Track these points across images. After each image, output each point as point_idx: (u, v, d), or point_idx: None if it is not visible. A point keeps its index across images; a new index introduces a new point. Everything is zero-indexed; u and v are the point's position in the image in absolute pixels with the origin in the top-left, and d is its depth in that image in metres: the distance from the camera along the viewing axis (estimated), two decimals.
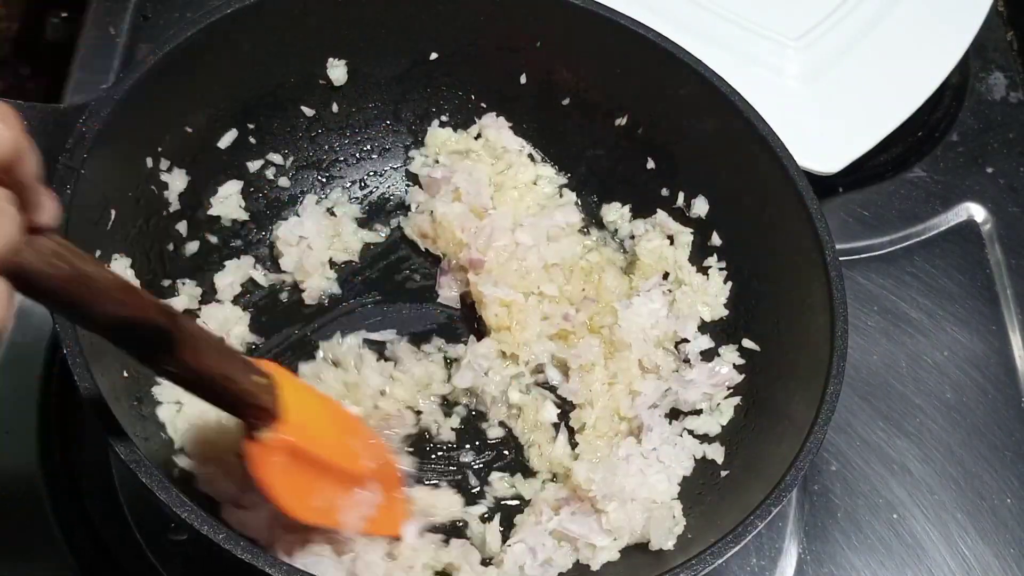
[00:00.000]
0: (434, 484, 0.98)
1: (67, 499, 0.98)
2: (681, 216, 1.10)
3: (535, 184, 1.15)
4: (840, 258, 0.95)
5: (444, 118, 1.16)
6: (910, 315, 1.21)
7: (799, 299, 0.97)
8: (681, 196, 1.10)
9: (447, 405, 1.03)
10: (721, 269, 1.07)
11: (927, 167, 1.33)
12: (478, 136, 1.15)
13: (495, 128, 1.14)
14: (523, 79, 1.13)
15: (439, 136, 1.15)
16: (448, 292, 1.09)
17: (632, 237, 1.13)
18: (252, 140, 1.08)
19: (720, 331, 1.06)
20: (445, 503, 0.95)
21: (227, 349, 0.77)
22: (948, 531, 1.08)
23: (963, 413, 1.16)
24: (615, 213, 1.14)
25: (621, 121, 1.12)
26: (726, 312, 1.06)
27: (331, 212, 1.13)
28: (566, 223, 1.10)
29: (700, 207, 1.08)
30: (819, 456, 1.10)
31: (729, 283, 1.06)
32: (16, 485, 0.98)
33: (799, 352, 0.95)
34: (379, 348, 1.05)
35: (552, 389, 1.05)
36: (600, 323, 1.06)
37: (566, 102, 1.13)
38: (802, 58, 1.29)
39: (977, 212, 1.31)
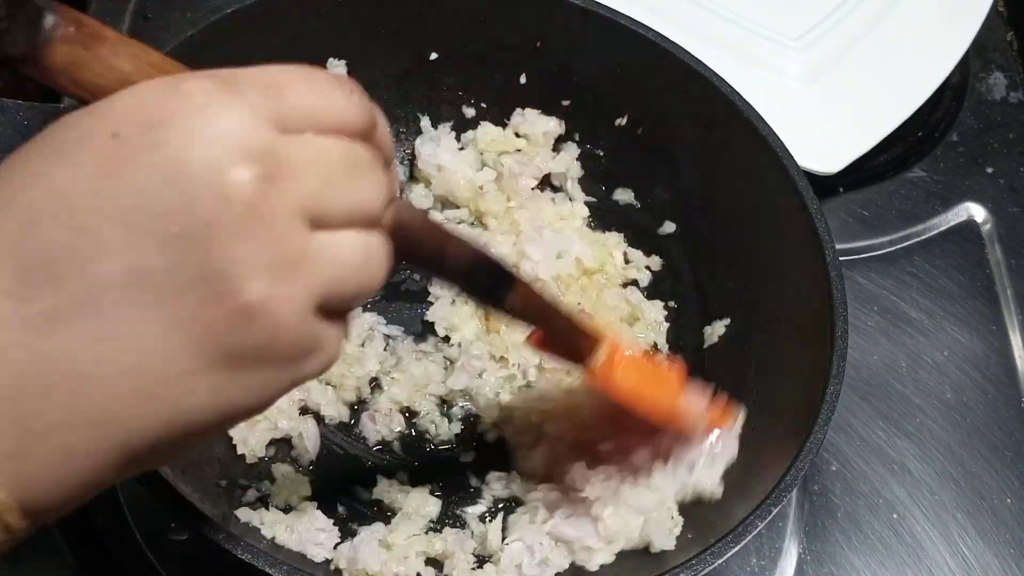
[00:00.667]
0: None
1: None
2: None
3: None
4: (840, 258, 0.95)
5: (445, 116, 1.16)
6: (910, 315, 1.21)
7: (799, 299, 0.97)
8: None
9: (445, 406, 1.03)
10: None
11: (927, 167, 1.33)
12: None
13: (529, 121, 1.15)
14: (523, 79, 1.13)
15: (489, 134, 1.15)
16: (440, 290, 1.09)
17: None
18: None
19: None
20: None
21: (547, 295, 0.79)
22: (948, 531, 1.08)
23: (963, 413, 1.16)
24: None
25: (621, 121, 1.12)
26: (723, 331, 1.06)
27: None
28: (579, 254, 1.09)
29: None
30: (819, 456, 1.10)
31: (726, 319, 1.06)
32: None
33: (799, 352, 0.95)
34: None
35: None
36: None
37: (566, 103, 1.13)
38: (802, 58, 1.29)
39: (977, 212, 1.31)
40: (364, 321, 1.05)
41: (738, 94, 1.03)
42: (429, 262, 0.65)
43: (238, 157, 0.48)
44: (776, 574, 1.04)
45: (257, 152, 0.48)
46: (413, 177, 1.15)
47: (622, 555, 0.93)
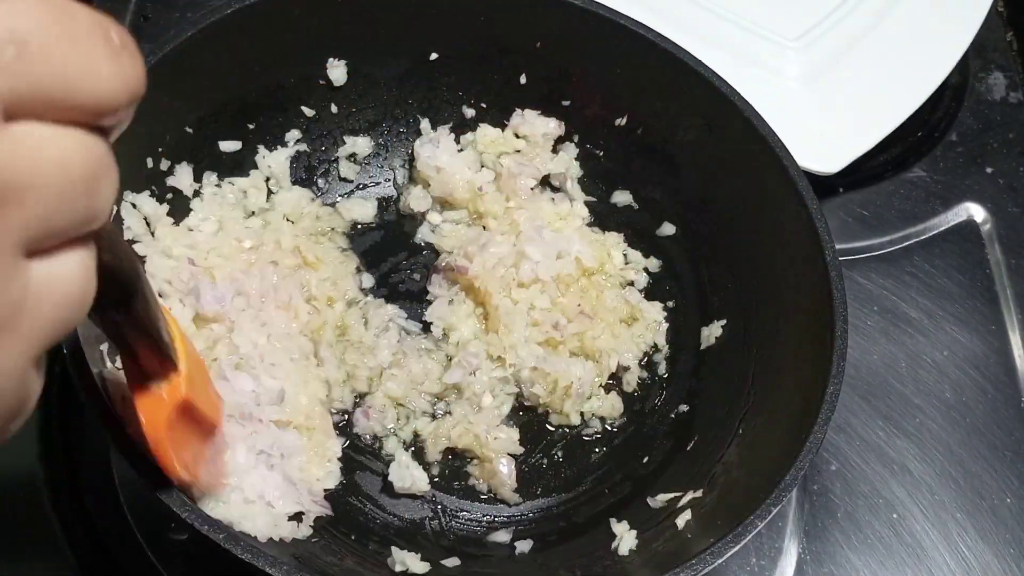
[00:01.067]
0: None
1: (67, 499, 0.98)
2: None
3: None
4: (840, 258, 0.95)
5: (446, 116, 1.16)
6: (910, 315, 1.21)
7: (799, 299, 0.97)
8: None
9: (440, 402, 1.04)
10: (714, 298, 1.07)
11: (927, 167, 1.34)
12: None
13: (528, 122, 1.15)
14: (523, 79, 1.13)
15: (488, 135, 1.15)
16: (438, 290, 1.09)
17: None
18: (252, 140, 1.08)
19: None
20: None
21: (157, 310, 0.67)
22: (948, 530, 1.08)
23: (963, 413, 1.16)
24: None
25: (621, 121, 1.12)
26: (720, 332, 1.06)
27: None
28: (578, 254, 1.09)
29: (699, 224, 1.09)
30: (819, 456, 1.10)
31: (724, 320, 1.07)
32: (16, 485, 0.98)
33: (799, 352, 0.95)
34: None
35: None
36: (594, 347, 1.05)
37: (566, 103, 1.13)
38: (802, 58, 1.29)
39: (977, 212, 1.31)
40: (385, 312, 1.06)
41: (738, 94, 1.03)
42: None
43: None
44: (776, 574, 1.04)
45: None
46: (412, 179, 1.15)
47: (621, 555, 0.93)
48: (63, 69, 0.42)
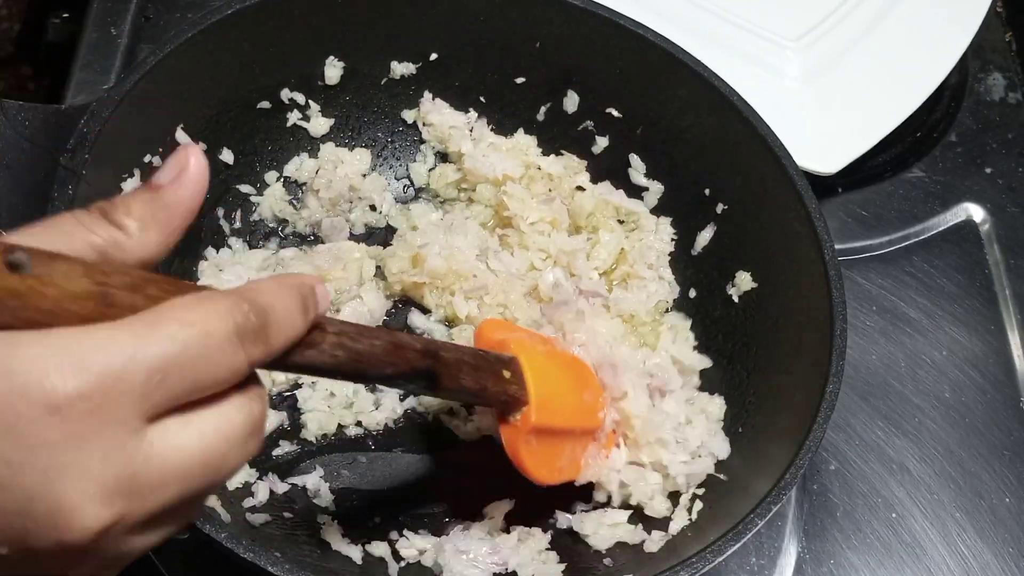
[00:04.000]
0: None
1: None
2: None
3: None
4: (839, 258, 0.95)
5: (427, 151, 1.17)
6: (909, 315, 1.22)
7: (798, 298, 0.98)
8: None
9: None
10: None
11: (926, 167, 1.34)
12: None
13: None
14: (522, 80, 1.13)
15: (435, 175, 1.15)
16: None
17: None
18: (254, 141, 1.08)
19: (718, 335, 1.06)
20: None
21: (483, 360, 0.83)
22: (947, 530, 1.08)
23: (962, 412, 1.16)
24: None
25: (620, 122, 1.12)
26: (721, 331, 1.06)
27: None
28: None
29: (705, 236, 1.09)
30: (818, 455, 1.10)
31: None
32: None
33: (798, 351, 0.96)
34: None
35: None
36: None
37: (565, 100, 1.13)
38: (802, 58, 1.29)
39: (976, 212, 1.31)
40: None
41: (737, 94, 1.03)
42: (344, 379, 0.69)
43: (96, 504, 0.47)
44: (776, 573, 1.04)
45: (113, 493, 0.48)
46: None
47: (622, 553, 0.93)
48: (186, 380, 0.50)
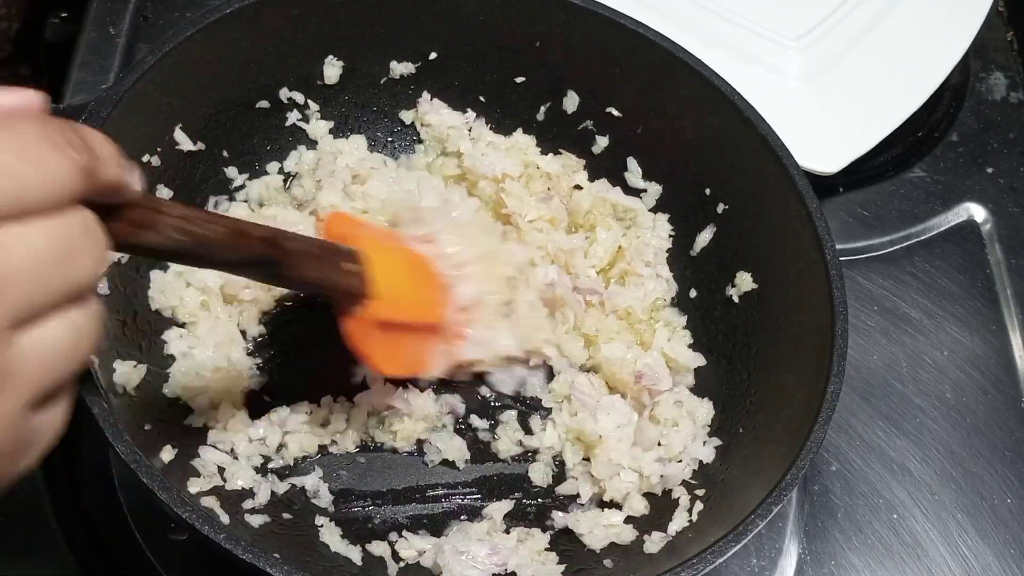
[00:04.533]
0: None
1: (67, 499, 0.98)
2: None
3: None
4: (840, 258, 0.95)
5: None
6: (910, 315, 1.21)
7: (799, 298, 0.97)
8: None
9: None
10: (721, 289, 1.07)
11: (927, 167, 1.33)
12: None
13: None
14: (522, 79, 1.13)
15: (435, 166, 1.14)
16: None
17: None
18: (253, 140, 1.08)
19: (718, 335, 1.06)
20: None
21: (326, 251, 0.84)
22: (948, 531, 1.08)
23: (963, 413, 1.16)
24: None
25: (620, 122, 1.12)
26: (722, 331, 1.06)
27: None
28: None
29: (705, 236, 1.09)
30: (819, 456, 1.10)
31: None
32: (16, 485, 0.98)
33: (799, 351, 0.95)
34: None
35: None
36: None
37: (565, 100, 1.13)
38: (802, 58, 1.29)
39: (977, 212, 1.31)
40: None
41: (738, 94, 1.03)
42: (186, 263, 0.74)
43: None
44: (776, 574, 1.04)
45: None
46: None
47: (623, 555, 0.93)
48: (13, 177, 0.51)
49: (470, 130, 1.14)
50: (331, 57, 1.08)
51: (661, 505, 0.97)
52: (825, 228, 0.96)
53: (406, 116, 1.15)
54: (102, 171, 0.57)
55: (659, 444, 0.98)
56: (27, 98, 0.58)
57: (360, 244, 0.88)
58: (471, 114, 1.15)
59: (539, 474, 1.00)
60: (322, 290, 0.86)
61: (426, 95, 1.14)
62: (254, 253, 0.75)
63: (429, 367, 0.96)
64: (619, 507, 0.97)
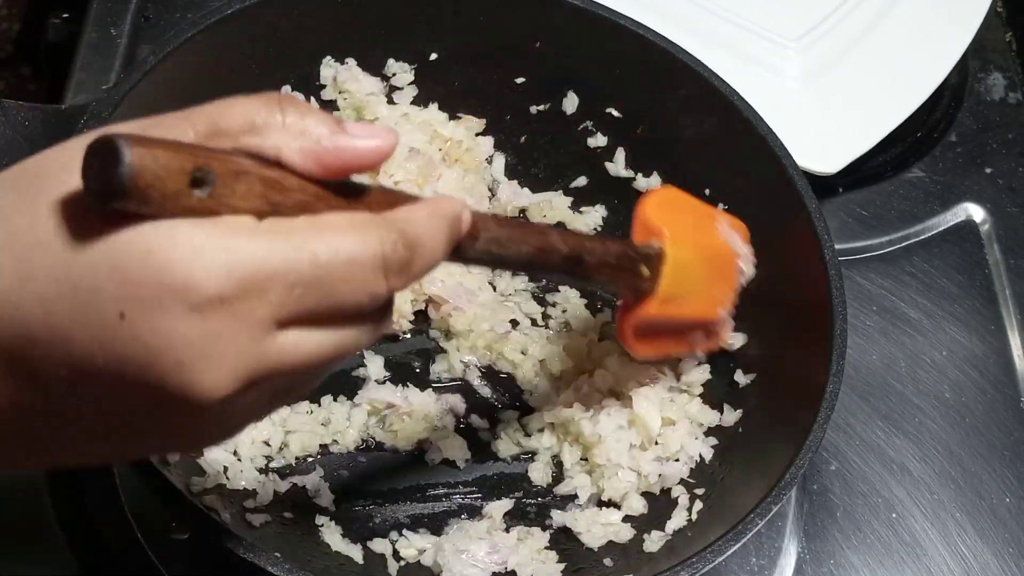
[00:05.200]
0: None
1: (67, 499, 0.98)
2: None
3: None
4: (839, 258, 0.95)
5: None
6: (909, 315, 1.22)
7: (797, 298, 0.98)
8: None
9: None
10: None
11: (926, 167, 1.34)
12: None
13: None
14: (521, 80, 1.13)
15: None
16: None
17: None
18: None
19: None
20: None
21: (626, 260, 0.83)
22: (947, 530, 1.08)
23: (962, 413, 1.16)
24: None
25: (620, 122, 1.12)
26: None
27: None
28: None
29: None
30: (818, 455, 1.10)
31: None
32: (16, 485, 0.98)
33: (798, 351, 0.96)
34: None
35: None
36: None
37: (565, 101, 1.13)
38: (802, 58, 1.29)
39: (976, 212, 1.31)
40: None
41: (737, 93, 1.03)
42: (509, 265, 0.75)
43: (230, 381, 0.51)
44: (776, 573, 1.04)
45: (247, 376, 0.51)
46: None
47: (622, 554, 0.93)
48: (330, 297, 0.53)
49: (390, 98, 1.13)
50: (328, 58, 1.09)
51: (660, 504, 0.97)
52: (824, 227, 0.96)
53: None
54: (418, 274, 0.58)
55: (656, 443, 0.98)
56: (382, 140, 0.57)
57: (666, 238, 0.87)
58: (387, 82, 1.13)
59: (539, 474, 1.00)
60: (606, 289, 0.89)
61: (351, 61, 1.11)
62: (553, 269, 0.76)
63: (688, 351, 0.98)
64: (617, 506, 0.97)
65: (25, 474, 0.98)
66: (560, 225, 1.13)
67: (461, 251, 0.63)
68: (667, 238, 0.88)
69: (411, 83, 1.13)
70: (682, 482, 0.97)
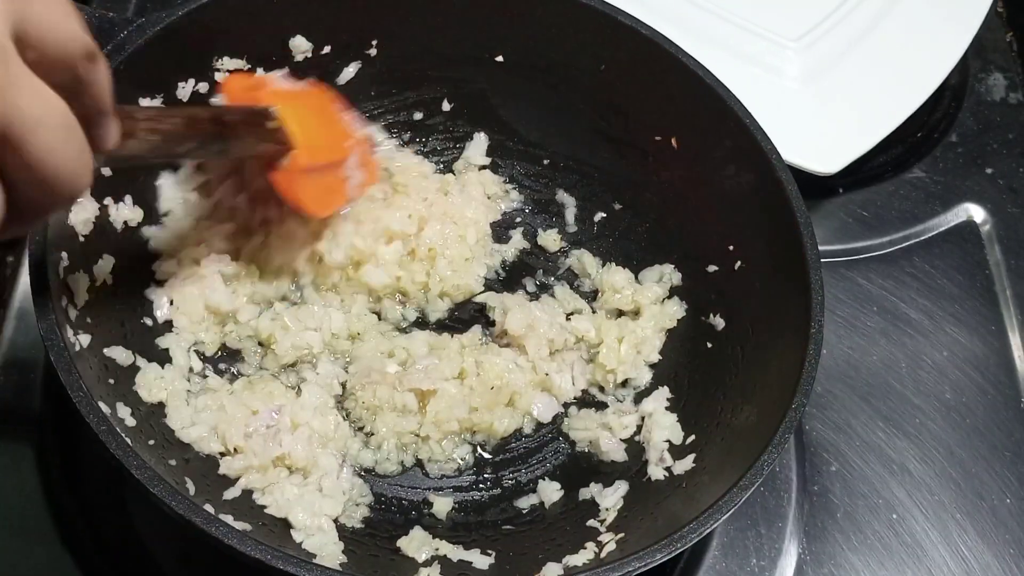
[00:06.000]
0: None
1: (67, 498, 0.98)
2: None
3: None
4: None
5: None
6: (910, 315, 1.21)
7: (779, 291, 0.98)
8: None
9: None
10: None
11: (927, 168, 1.34)
12: None
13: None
14: (516, 78, 1.13)
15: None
16: None
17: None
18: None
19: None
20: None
21: (252, 115, 0.92)
22: (947, 531, 1.08)
23: (962, 413, 1.16)
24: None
25: (600, 116, 1.12)
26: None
27: None
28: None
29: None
30: (819, 456, 1.10)
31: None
32: (16, 484, 0.98)
33: (779, 345, 0.95)
34: None
35: None
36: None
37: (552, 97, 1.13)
38: (802, 59, 1.29)
39: (976, 213, 1.31)
40: None
41: (723, 84, 1.03)
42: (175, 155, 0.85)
43: None
44: (776, 574, 1.04)
45: None
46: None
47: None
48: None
49: None
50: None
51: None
52: (805, 217, 0.96)
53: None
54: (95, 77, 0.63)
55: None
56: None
57: (269, 100, 0.95)
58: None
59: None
60: (257, 151, 0.92)
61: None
62: (206, 132, 0.84)
63: (351, 196, 1.04)
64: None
65: (24, 473, 0.98)
66: None
67: (133, 134, 0.72)
68: (267, 99, 0.95)
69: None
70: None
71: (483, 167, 1.17)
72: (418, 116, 1.16)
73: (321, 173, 0.99)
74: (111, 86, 0.65)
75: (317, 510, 0.92)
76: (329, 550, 0.90)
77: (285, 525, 0.91)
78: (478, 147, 1.17)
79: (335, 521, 0.93)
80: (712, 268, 1.06)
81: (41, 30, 0.58)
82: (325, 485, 0.95)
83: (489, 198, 1.16)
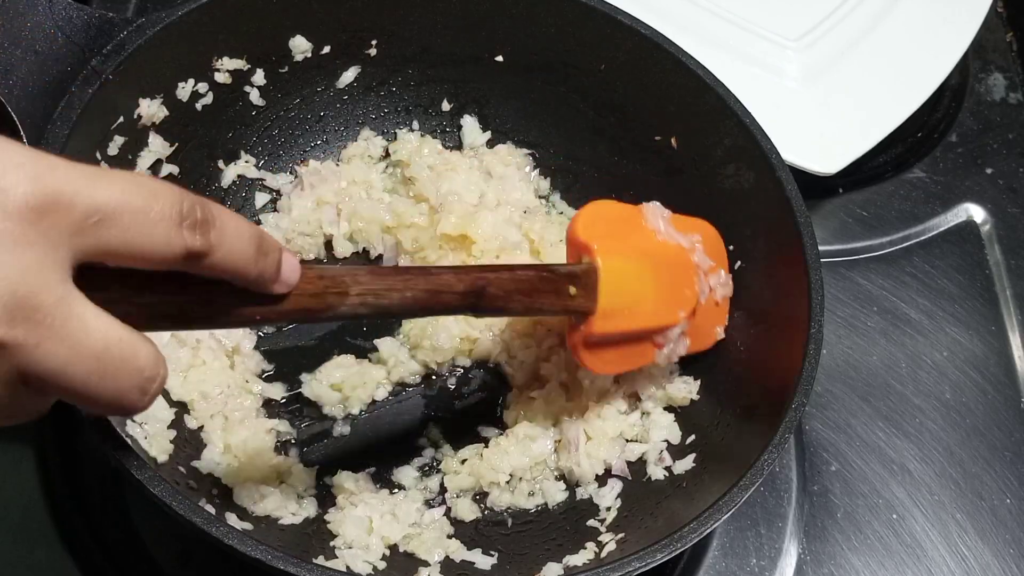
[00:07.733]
0: None
1: (67, 498, 0.98)
2: None
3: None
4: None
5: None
6: (910, 315, 1.21)
7: (779, 287, 0.98)
8: None
9: None
10: None
11: (927, 168, 1.34)
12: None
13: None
14: (514, 76, 1.13)
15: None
16: None
17: None
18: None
19: None
20: None
21: (543, 283, 0.83)
22: (947, 531, 1.08)
23: (962, 413, 1.16)
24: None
25: (616, 119, 1.12)
26: None
27: None
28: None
29: None
30: (819, 456, 1.10)
31: None
32: (15, 484, 0.98)
33: (778, 343, 0.96)
34: None
35: None
36: None
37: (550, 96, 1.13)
38: (802, 59, 1.29)
39: (976, 213, 1.31)
40: None
41: (723, 84, 1.03)
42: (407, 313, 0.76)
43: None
44: (776, 574, 1.04)
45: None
46: None
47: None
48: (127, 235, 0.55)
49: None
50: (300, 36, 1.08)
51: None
52: (805, 213, 0.96)
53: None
54: (218, 247, 0.59)
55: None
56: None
57: (598, 253, 0.86)
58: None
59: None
60: (532, 314, 0.87)
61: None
62: (450, 308, 0.76)
63: (652, 361, 0.95)
64: None
65: (24, 473, 0.98)
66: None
67: (332, 308, 0.66)
68: (596, 252, 0.87)
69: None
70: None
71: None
72: (418, 116, 1.16)
73: (623, 336, 0.90)
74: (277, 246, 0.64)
75: None
76: None
77: None
78: (471, 129, 1.17)
79: None
80: None
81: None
82: None
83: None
